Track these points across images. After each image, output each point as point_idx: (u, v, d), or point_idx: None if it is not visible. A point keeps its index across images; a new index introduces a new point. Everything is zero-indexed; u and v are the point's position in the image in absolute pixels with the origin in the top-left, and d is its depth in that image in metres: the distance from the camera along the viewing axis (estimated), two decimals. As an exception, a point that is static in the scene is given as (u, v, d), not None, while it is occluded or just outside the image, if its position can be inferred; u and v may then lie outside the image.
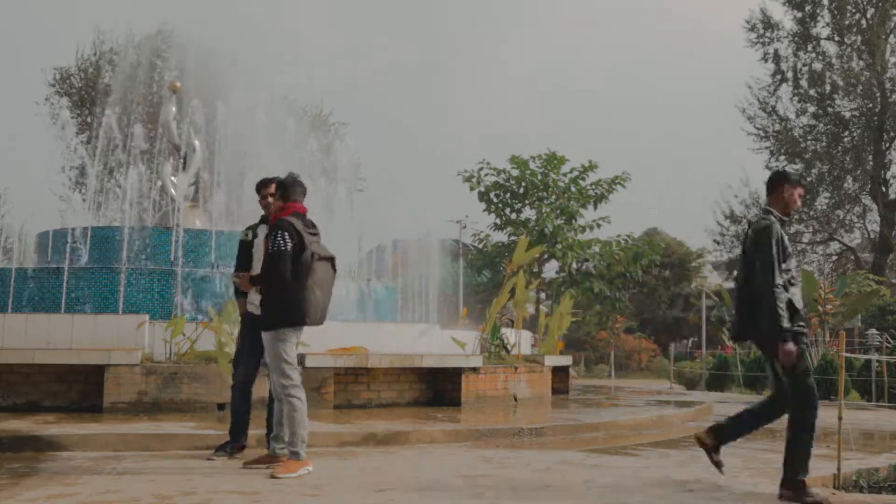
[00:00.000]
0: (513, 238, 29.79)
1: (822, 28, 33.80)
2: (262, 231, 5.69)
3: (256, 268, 5.61)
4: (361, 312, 12.59)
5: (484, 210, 30.07)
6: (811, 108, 33.84)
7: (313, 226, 5.44)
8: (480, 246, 31.36)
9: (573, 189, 29.70)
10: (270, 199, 5.69)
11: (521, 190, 29.85)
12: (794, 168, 34.17)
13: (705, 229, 37.48)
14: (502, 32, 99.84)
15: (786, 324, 4.45)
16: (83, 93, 28.98)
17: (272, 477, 4.95)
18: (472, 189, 29.70)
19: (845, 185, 33.81)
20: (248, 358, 5.73)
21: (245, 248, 5.87)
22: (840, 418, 5.58)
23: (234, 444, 5.75)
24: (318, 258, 5.27)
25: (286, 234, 5.18)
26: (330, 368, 8.51)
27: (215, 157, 15.22)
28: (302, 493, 4.53)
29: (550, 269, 30.40)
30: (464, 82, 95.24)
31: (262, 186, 5.92)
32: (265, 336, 5.27)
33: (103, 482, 4.78)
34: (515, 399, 10.23)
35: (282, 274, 5.14)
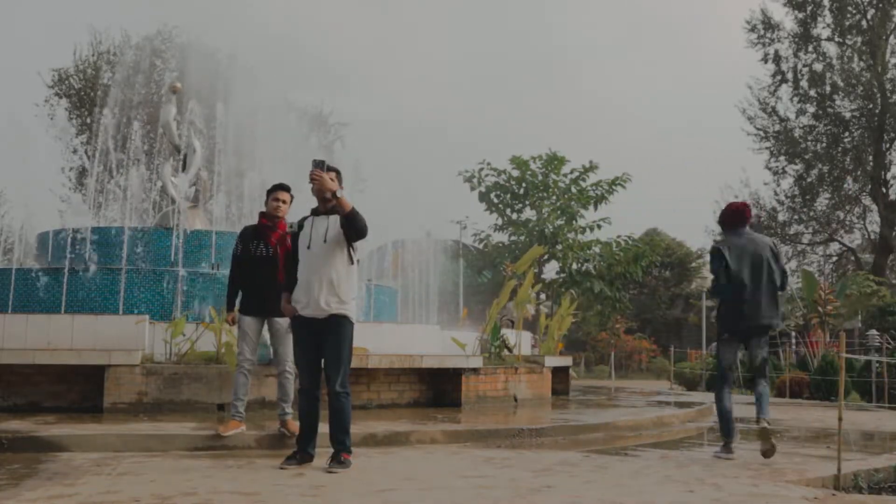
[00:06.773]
0: (513, 239, 29.81)
1: (822, 29, 33.86)
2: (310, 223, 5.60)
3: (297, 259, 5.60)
4: (362, 313, 12.58)
5: (485, 210, 30.09)
6: (811, 109, 33.87)
7: None
8: (481, 246, 31.36)
9: (574, 190, 29.70)
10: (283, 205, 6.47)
11: (522, 191, 29.84)
12: (794, 169, 34.21)
13: (705, 229, 37.52)
14: (510, 34, 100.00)
15: None
16: (82, 94, 29.00)
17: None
18: (472, 189, 29.70)
19: (845, 185, 33.84)
20: (311, 361, 5.52)
21: (293, 240, 5.69)
22: (840, 419, 5.58)
23: (303, 454, 5.49)
24: None
25: None
26: (330, 369, 8.49)
27: (216, 157, 15.22)
28: (302, 494, 4.52)
29: (551, 270, 30.42)
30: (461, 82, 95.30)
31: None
32: (340, 336, 5.41)
33: (103, 483, 4.77)
34: (516, 400, 10.22)
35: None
